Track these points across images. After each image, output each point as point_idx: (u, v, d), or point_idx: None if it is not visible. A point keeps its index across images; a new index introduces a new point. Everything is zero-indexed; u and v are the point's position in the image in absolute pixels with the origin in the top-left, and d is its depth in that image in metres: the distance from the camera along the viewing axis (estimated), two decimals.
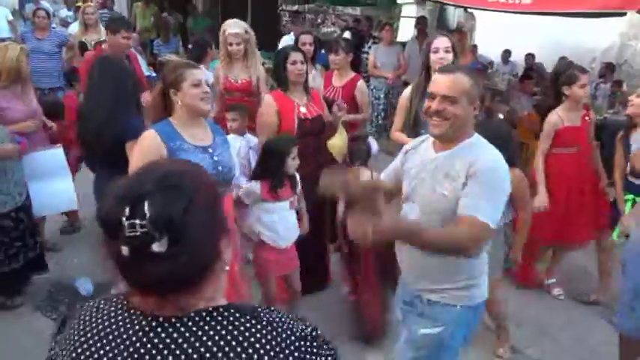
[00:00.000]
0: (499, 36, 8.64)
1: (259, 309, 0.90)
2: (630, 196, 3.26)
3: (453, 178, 1.74)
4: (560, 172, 3.47)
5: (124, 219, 0.77)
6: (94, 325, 0.89)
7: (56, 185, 3.36)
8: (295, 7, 12.00)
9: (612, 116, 6.08)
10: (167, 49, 7.40)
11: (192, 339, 0.83)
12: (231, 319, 0.86)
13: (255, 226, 2.84)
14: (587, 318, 3.48)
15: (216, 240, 0.86)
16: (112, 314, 0.89)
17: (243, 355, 0.82)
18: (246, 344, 0.83)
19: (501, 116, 2.92)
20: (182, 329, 0.84)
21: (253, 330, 0.85)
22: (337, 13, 12.57)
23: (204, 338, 0.83)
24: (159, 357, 0.82)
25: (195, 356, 0.81)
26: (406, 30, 10.04)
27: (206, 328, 0.84)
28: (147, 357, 0.82)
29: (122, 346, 0.84)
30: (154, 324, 0.84)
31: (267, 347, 0.84)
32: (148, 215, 0.77)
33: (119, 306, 0.90)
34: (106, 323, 0.88)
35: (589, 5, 4.20)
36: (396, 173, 2.03)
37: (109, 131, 2.73)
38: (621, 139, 3.41)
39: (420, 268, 1.89)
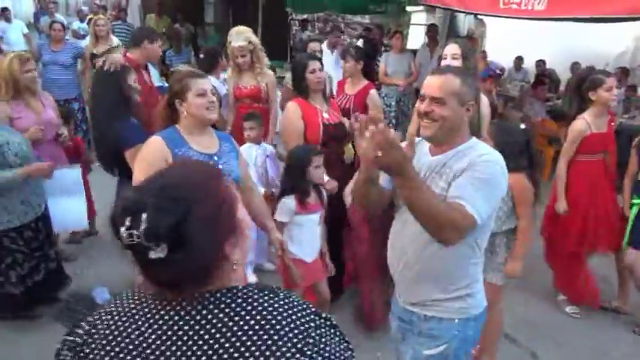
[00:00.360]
0: (509, 42, 8.59)
1: (277, 289, 0.97)
2: (637, 201, 3.22)
3: (447, 177, 1.70)
4: (584, 179, 3.34)
5: (122, 229, 0.85)
6: (121, 311, 0.96)
7: (70, 203, 3.36)
8: (305, 16, 12.05)
9: (627, 121, 6.04)
10: (179, 60, 7.45)
11: (210, 316, 0.89)
12: (250, 293, 0.92)
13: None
14: (610, 329, 3.39)
15: (220, 243, 0.91)
16: (137, 301, 0.97)
17: (263, 322, 0.87)
18: (265, 313, 0.89)
19: (523, 126, 2.85)
20: (199, 307, 0.90)
21: (272, 301, 0.91)
22: (347, 22, 12.59)
23: (222, 315, 0.89)
24: (180, 332, 0.88)
25: (213, 331, 0.87)
26: (416, 38, 10.05)
27: (225, 303, 0.90)
28: (169, 333, 0.89)
29: (147, 325, 0.91)
30: (170, 306, 0.92)
31: (289, 319, 0.89)
32: (142, 227, 0.84)
33: (141, 295, 0.98)
34: (132, 305, 0.96)
35: (603, 10, 4.16)
36: None
37: (105, 143, 2.88)
38: (636, 146, 3.37)
39: (410, 276, 1.82)
